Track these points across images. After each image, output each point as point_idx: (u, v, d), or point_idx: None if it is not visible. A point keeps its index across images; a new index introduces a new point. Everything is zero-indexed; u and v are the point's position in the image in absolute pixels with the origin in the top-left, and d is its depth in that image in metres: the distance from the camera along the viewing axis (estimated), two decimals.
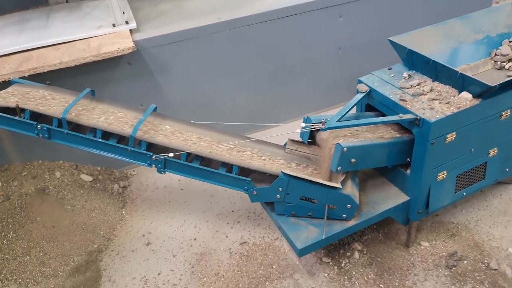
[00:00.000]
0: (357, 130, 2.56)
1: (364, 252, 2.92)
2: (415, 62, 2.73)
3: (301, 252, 2.45)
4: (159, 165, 2.56)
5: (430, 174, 2.53)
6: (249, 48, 3.88)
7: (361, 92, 2.68)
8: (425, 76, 2.70)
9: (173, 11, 4.00)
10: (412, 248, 2.92)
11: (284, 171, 2.43)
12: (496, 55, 2.96)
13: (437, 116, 2.31)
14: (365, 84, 2.72)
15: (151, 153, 2.53)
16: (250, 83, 4.06)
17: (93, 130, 2.57)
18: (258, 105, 4.21)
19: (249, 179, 2.51)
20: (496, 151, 2.72)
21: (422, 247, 2.92)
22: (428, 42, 2.95)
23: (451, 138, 2.41)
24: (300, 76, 4.22)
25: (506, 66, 2.95)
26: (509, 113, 2.55)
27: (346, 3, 3.95)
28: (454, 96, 2.44)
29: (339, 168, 2.40)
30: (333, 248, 2.98)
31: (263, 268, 2.90)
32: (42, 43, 3.35)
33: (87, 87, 2.85)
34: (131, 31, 3.64)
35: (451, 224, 3.07)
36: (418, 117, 2.34)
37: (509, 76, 2.72)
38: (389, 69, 2.85)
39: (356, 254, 2.90)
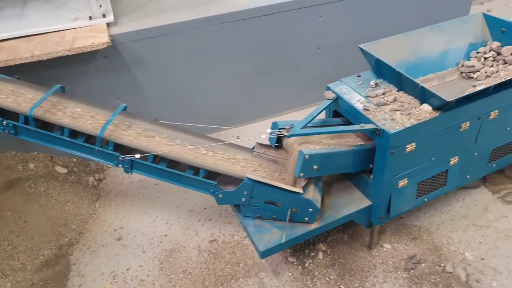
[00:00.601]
0: (321, 136, 2.63)
1: (328, 252, 3.02)
2: (383, 70, 2.78)
3: (262, 254, 2.54)
4: (125, 166, 2.60)
5: (390, 181, 2.61)
6: (228, 45, 3.89)
7: (328, 99, 2.73)
8: (391, 85, 2.75)
9: (152, 5, 3.97)
10: (375, 250, 3.03)
11: (248, 175, 2.49)
12: (462, 65, 3.03)
13: (397, 128, 2.37)
14: (333, 91, 2.77)
15: (118, 154, 2.56)
16: (229, 80, 4.09)
17: (61, 128, 2.59)
18: (237, 102, 4.24)
19: (215, 183, 2.56)
20: (457, 159, 2.81)
21: (384, 249, 3.03)
22: (398, 50, 3.00)
23: (411, 148, 2.49)
24: (279, 74, 4.25)
25: (474, 76, 3.02)
26: (468, 124, 2.63)
27: (326, 3, 3.96)
28: (415, 108, 2.51)
29: (301, 174, 2.47)
30: (299, 248, 3.07)
31: (230, 266, 2.99)
32: (15, 34, 3.31)
33: (61, 81, 2.85)
34: (108, 24, 3.63)
35: (414, 227, 3.18)
36: (378, 128, 2.41)
37: (474, 86, 2.79)
38: (358, 76, 2.90)
39: (320, 255, 3.00)
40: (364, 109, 2.56)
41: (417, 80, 2.98)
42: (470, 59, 3.12)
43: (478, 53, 3.14)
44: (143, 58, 3.71)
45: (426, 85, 3.00)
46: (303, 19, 4.00)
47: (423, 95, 2.48)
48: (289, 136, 2.50)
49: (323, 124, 2.78)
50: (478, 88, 2.46)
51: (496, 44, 3.13)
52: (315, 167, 2.47)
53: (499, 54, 3.09)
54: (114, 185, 3.76)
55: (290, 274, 2.91)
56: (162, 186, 3.69)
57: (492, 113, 2.69)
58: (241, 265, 2.99)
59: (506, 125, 2.87)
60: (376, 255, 2.99)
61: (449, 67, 3.10)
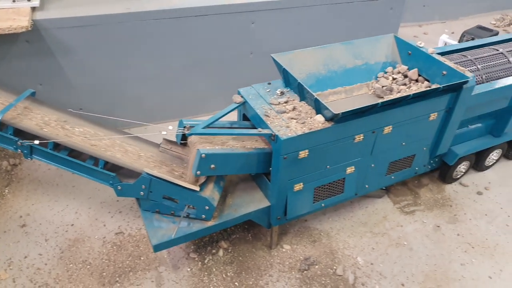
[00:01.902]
0: (227, 138, 2.73)
1: (229, 250, 3.13)
2: (290, 80, 2.92)
3: (155, 248, 2.59)
4: (25, 151, 2.58)
5: (286, 185, 2.74)
6: (157, 42, 3.92)
7: (235, 102, 2.84)
8: (296, 95, 2.90)
9: None
10: (275, 250, 3.16)
11: (146, 170, 2.55)
12: (373, 83, 3.24)
13: (289, 134, 2.51)
14: (241, 96, 2.88)
15: (17, 138, 2.55)
16: (158, 77, 4.12)
17: None
18: (164, 99, 4.28)
19: (114, 174, 2.60)
20: (353, 169, 2.99)
21: (284, 250, 3.17)
22: (310, 62, 3.16)
23: (304, 155, 2.63)
24: (210, 75, 4.33)
25: (382, 94, 3.23)
26: (362, 137, 2.81)
27: (258, 11, 4.09)
28: (310, 117, 2.66)
29: (198, 172, 2.55)
30: (202, 245, 3.16)
31: (131, 258, 3.03)
32: None
33: None
34: (34, 9, 3.58)
35: (315, 230, 3.35)
36: (273, 133, 2.54)
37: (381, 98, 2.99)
38: (268, 83, 3.03)
39: (221, 252, 3.10)
40: (265, 115, 2.69)
41: (325, 93, 3.19)
42: (378, 78, 3.33)
43: (386, 72, 3.37)
44: (69, 46, 3.68)
45: (334, 98, 3.20)
46: (236, 24, 4.10)
47: (318, 106, 2.63)
48: (189, 135, 2.59)
49: (231, 126, 2.88)
50: (366, 104, 2.61)
51: (404, 67, 3.34)
52: (212, 166, 2.57)
53: (406, 76, 3.33)
54: (29, 171, 3.70)
55: (189, 269, 2.99)
56: (78, 175, 3.66)
57: (386, 128, 2.89)
58: (142, 258, 3.04)
59: (401, 140, 3.08)
60: (275, 255, 3.13)
61: (358, 83, 3.29)
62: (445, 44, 4.87)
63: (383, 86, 3.23)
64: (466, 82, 2.93)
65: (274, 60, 2.96)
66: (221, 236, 3.21)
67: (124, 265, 2.97)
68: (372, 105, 2.58)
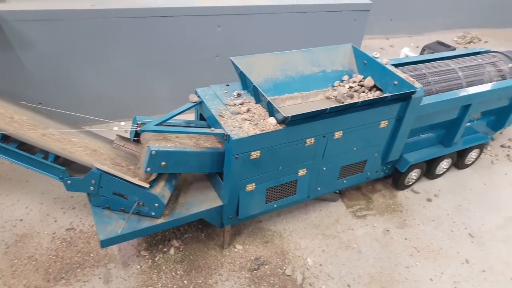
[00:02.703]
0: (177, 136, 2.76)
1: (181, 249, 3.14)
2: (247, 83, 2.99)
3: (102, 244, 2.58)
4: None
5: (238, 184, 2.79)
6: (121, 40, 3.92)
7: (191, 102, 2.88)
8: (252, 97, 2.97)
9: None
10: (227, 250, 3.20)
11: (96, 165, 2.54)
12: (330, 91, 3.36)
13: (241, 135, 2.57)
14: (198, 96, 2.93)
15: None
16: (120, 74, 4.11)
17: None
18: (126, 97, 4.27)
19: (64, 168, 2.58)
20: (305, 171, 3.07)
21: (236, 250, 3.22)
22: (269, 66, 3.24)
23: (256, 156, 2.69)
24: (175, 75, 4.36)
25: (343, 100, 3.34)
26: (313, 141, 2.90)
27: (224, 15, 4.16)
28: (264, 120, 2.73)
29: (148, 169, 2.57)
30: (154, 243, 3.16)
31: (80, 255, 3.00)
32: None
33: None
34: None
35: (269, 231, 3.41)
36: (226, 133, 2.59)
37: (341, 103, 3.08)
38: (226, 85, 3.09)
39: (172, 250, 3.11)
40: (219, 115, 2.74)
41: (282, 97, 3.27)
42: (335, 86, 3.44)
43: (342, 81, 3.49)
44: (30, 40, 3.63)
45: (290, 103, 3.29)
46: (202, 26, 4.15)
47: (271, 109, 2.71)
48: (141, 131, 2.61)
49: (186, 125, 2.91)
50: (314, 109, 2.69)
51: (359, 77, 3.47)
52: (162, 163, 2.59)
53: (362, 85, 3.45)
54: None
55: (139, 267, 2.98)
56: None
57: (336, 133, 2.99)
58: (92, 254, 3.01)
59: (353, 145, 3.20)
60: (227, 255, 3.16)
61: (314, 89, 3.39)
62: (406, 56, 5.07)
63: (344, 93, 3.34)
64: (414, 92, 3.07)
65: (233, 63, 3.02)
66: (173, 235, 3.22)
67: (72, 262, 2.94)
68: (321, 110, 2.68)
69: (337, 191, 3.71)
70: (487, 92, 3.64)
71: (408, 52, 5.12)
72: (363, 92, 3.38)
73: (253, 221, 3.45)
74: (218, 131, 2.63)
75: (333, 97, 3.35)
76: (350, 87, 3.47)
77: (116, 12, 3.78)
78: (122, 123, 2.64)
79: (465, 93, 3.52)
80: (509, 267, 3.33)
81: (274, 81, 3.23)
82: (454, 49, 5.40)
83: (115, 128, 2.59)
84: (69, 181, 2.63)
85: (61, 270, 2.87)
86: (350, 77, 3.53)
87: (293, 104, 3.29)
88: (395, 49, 6.85)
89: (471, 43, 7.56)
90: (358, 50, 3.51)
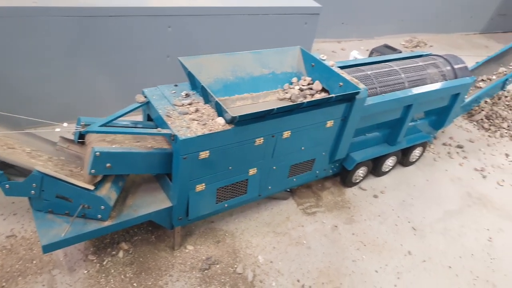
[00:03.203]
0: (127, 137, 2.73)
1: (130, 252, 3.10)
2: (196, 83, 3.00)
3: (44, 249, 2.50)
4: None
5: (187, 185, 2.80)
6: (65, 40, 3.80)
7: (137, 102, 2.85)
8: (201, 98, 2.98)
9: None
10: (178, 251, 3.19)
11: (37, 168, 2.46)
12: (280, 92, 3.44)
13: (189, 135, 2.57)
14: (145, 96, 2.90)
15: None
16: (63, 74, 3.97)
17: None
18: (71, 98, 4.14)
19: (1, 172, 2.47)
20: (256, 170, 3.13)
21: (187, 251, 3.21)
22: (219, 67, 3.26)
23: (205, 156, 2.71)
24: (125, 76, 4.28)
25: (297, 101, 3.42)
26: (262, 140, 2.96)
27: (175, 15, 4.14)
28: (212, 120, 2.75)
29: (92, 171, 2.52)
30: (103, 246, 3.10)
31: (22, 262, 2.88)
32: None
33: None
34: None
35: (221, 231, 3.43)
36: (173, 133, 2.59)
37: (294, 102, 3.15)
38: (175, 85, 3.08)
39: (121, 253, 3.06)
40: (166, 115, 2.73)
41: (232, 98, 3.31)
42: (285, 88, 3.52)
43: (292, 83, 3.58)
44: None
45: (240, 103, 3.33)
46: (153, 27, 4.11)
47: (219, 110, 2.73)
48: (85, 132, 2.55)
49: (133, 125, 2.88)
50: (261, 109, 2.75)
51: (308, 78, 3.58)
52: (108, 165, 2.55)
53: (311, 88, 3.56)
54: None
55: (86, 271, 2.91)
56: None
57: (285, 133, 3.07)
58: (35, 261, 2.90)
59: (301, 145, 3.29)
60: (178, 256, 3.15)
61: (264, 90, 3.46)
62: (355, 58, 5.27)
63: (297, 94, 3.43)
64: (358, 93, 3.21)
65: (181, 63, 3.02)
66: (122, 238, 3.17)
67: (13, 270, 2.82)
68: (269, 110, 2.74)
69: (288, 190, 3.80)
70: (427, 93, 3.86)
71: (357, 55, 5.33)
72: (310, 95, 3.49)
73: (205, 222, 3.46)
74: (165, 131, 2.62)
75: (286, 98, 3.43)
76: (301, 89, 3.57)
77: (60, 11, 3.67)
78: (65, 124, 2.56)
79: (407, 94, 3.71)
80: (446, 256, 3.56)
81: (224, 82, 3.27)
82: (400, 52, 5.68)
83: (57, 130, 2.51)
84: (7, 185, 2.52)
85: (1, 279, 2.75)
86: (299, 79, 3.63)
87: (243, 105, 3.34)
88: (347, 52, 7.10)
89: (417, 47, 7.97)
90: (306, 53, 3.62)
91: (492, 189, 4.51)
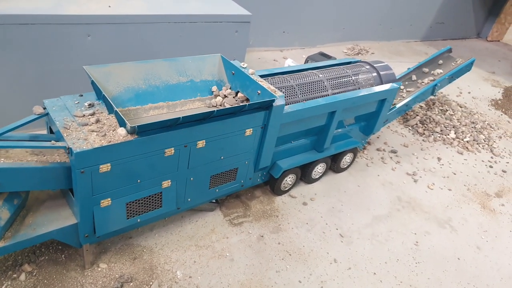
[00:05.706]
0: (24, 151, 2.55)
1: (34, 273, 2.89)
2: (101, 93, 2.86)
3: None
4: None
5: (90, 200, 2.64)
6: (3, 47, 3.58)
7: (35, 114, 2.68)
8: (105, 108, 2.85)
9: None
10: (89, 270, 3.01)
11: None
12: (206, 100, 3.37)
13: (84, 147, 2.44)
14: (44, 107, 2.74)
15: None
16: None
17: None
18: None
19: None
20: (170, 182, 3.01)
21: (99, 269, 3.04)
22: (129, 76, 3.14)
23: (106, 169, 2.57)
24: (42, 87, 4.07)
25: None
26: (173, 151, 2.86)
27: (94, 24, 3.98)
28: (113, 130, 2.62)
29: None
30: (4, 269, 2.87)
31: None
32: None
33: None
34: None
35: (139, 246, 3.28)
36: (67, 146, 2.44)
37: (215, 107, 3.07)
38: (80, 95, 2.93)
39: (23, 276, 2.85)
40: (64, 127, 2.58)
41: (145, 107, 3.19)
42: (215, 95, 3.47)
43: (213, 92, 3.52)
44: None
45: (155, 113, 3.22)
46: (71, 35, 3.93)
47: (120, 120, 2.61)
48: None
49: (31, 139, 2.70)
50: (164, 118, 2.65)
51: (228, 85, 3.53)
52: None
53: (234, 96, 3.51)
54: None
55: None
56: None
57: (199, 142, 2.98)
58: None
59: (219, 154, 3.21)
60: (88, 275, 2.98)
61: (182, 99, 3.37)
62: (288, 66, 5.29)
63: (221, 102, 3.36)
64: (273, 101, 3.18)
65: (86, 72, 2.89)
66: (27, 259, 2.96)
67: None
68: (174, 119, 2.65)
69: (214, 200, 3.71)
70: (350, 100, 3.90)
71: (291, 63, 5.36)
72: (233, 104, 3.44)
73: (122, 237, 3.30)
74: (58, 144, 2.47)
75: (213, 106, 3.38)
76: (225, 96, 3.52)
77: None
78: None
79: (328, 101, 3.73)
80: (371, 263, 3.57)
81: (136, 91, 3.15)
82: (335, 59, 5.76)
83: None
84: None
85: None
86: (221, 87, 3.57)
87: (157, 114, 3.23)
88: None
89: (359, 54, 8.17)
90: (227, 61, 3.57)
91: (422, 192, 4.62)
